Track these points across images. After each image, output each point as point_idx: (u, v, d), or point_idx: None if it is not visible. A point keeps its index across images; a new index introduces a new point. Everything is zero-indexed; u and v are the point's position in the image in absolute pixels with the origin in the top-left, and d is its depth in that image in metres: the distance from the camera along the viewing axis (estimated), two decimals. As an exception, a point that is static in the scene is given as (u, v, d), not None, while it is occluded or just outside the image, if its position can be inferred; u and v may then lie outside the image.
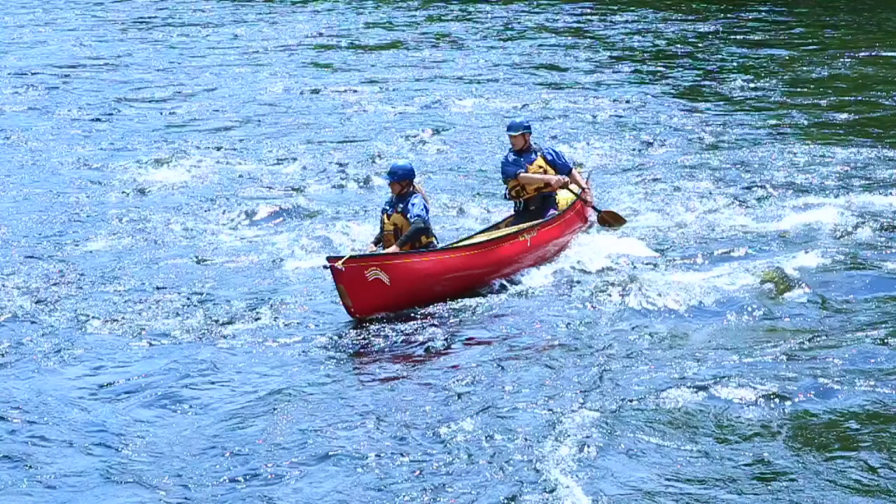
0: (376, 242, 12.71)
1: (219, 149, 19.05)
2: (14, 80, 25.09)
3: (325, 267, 11.77)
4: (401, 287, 11.93)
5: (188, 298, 12.44)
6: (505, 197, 14.04)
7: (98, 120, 21.43)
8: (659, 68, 25.14)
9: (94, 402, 10.09)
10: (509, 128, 13.93)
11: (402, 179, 12.46)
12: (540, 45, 28.44)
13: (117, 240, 14.64)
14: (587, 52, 27.41)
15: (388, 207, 12.59)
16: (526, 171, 13.69)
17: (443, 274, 12.35)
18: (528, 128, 13.89)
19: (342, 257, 11.76)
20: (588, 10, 33.55)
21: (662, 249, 13.65)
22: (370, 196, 16.32)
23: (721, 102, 21.56)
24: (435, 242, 12.71)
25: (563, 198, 14.05)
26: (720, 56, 26.19)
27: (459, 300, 12.31)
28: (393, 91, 23.43)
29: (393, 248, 12.30)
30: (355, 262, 11.80)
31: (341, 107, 22.23)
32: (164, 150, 19.02)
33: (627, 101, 21.91)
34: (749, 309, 11.55)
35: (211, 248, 14.28)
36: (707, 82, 23.49)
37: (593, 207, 14.33)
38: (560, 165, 13.87)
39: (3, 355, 11.07)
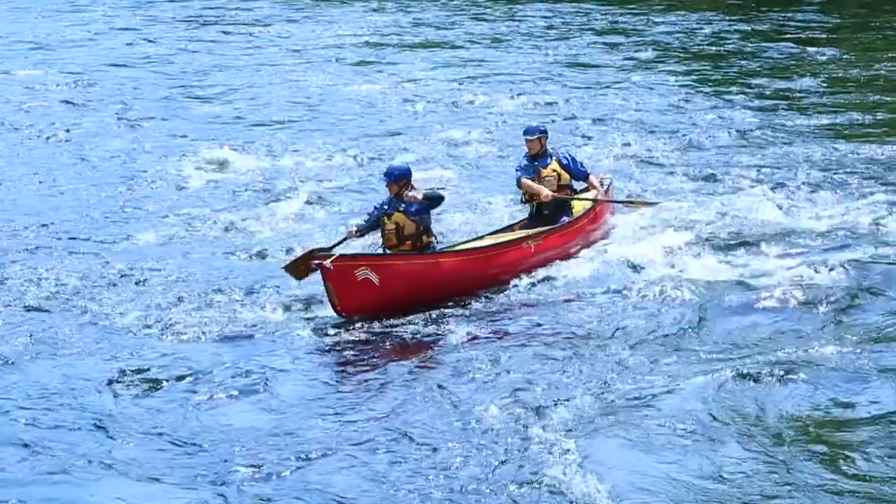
0: (360, 233, 12.64)
1: (263, 145, 19.33)
2: (65, 78, 25.47)
3: (314, 265, 11.75)
4: (391, 288, 11.83)
5: (220, 292, 12.54)
6: (521, 200, 14.06)
7: (145, 116, 21.73)
8: (702, 67, 25.25)
9: (100, 392, 10.19)
10: (525, 132, 13.88)
11: (399, 180, 12.45)
12: (583, 45, 28.61)
13: (156, 232, 14.88)
14: (629, 51, 27.53)
15: (387, 208, 12.52)
16: (537, 176, 13.64)
17: (436, 277, 12.25)
18: (545, 132, 13.85)
19: (331, 255, 11.73)
20: (631, 11, 33.63)
21: (691, 251, 13.44)
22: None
23: (764, 101, 21.61)
24: (435, 243, 12.68)
25: (581, 203, 14.00)
26: (764, 55, 26.23)
27: (456, 302, 12.22)
28: (435, 89, 23.66)
29: (420, 194, 12.23)
30: (344, 262, 11.73)
31: (384, 104, 22.48)
32: (210, 145, 19.26)
33: (669, 100, 22.02)
34: (780, 307, 11.54)
35: (249, 243, 14.46)
36: (750, 81, 23.51)
37: (617, 202, 14.20)
38: (574, 171, 13.85)
39: (32, 345, 11.28)
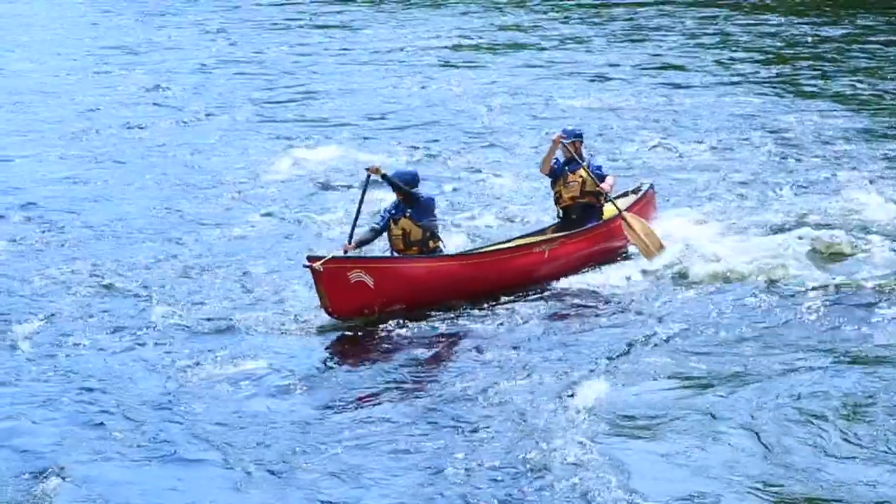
0: (359, 244, 12.47)
1: (345, 144, 19.65)
2: (155, 79, 26.06)
3: (304, 266, 11.77)
4: (385, 290, 11.85)
5: (279, 290, 12.78)
6: (555, 200, 13.98)
7: (231, 117, 22.20)
8: (783, 70, 25.15)
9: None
10: (562, 134, 13.81)
11: (406, 186, 12.40)
12: (666, 46, 28.63)
13: (231, 228, 15.26)
14: (711, 52, 27.51)
15: (394, 213, 12.47)
16: (564, 179, 13.63)
17: (435, 280, 12.21)
18: (580, 136, 13.86)
19: (322, 258, 11.67)
20: (715, 12, 33.56)
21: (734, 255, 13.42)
22: (485, 189, 16.88)
23: (850, 105, 21.51)
24: (442, 248, 12.64)
25: (610, 210, 13.82)
26: (846, 59, 26.07)
27: (460, 305, 12.23)
28: (517, 90, 23.86)
29: (383, 170, 12.21)
30: (336, 264, 11.73)
31: (467, 105, 22.72)
32: (292, 144, 19.74)
33: (746, 101, 22.02)
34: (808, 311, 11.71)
35: (322, 240, 14.73)
36: (835, 83, 23.43)
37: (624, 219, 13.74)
38: (595, 174, 13.66)
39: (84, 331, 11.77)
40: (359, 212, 12.46)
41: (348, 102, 23.29)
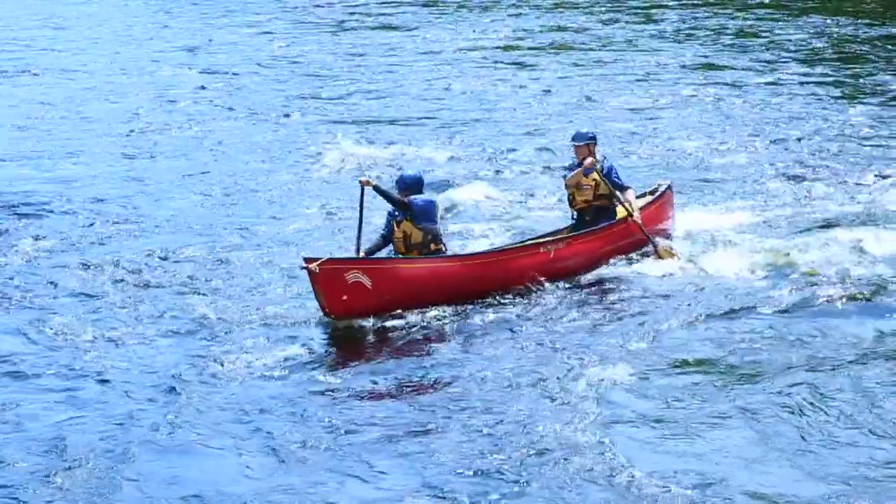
0: (368, 253, 12.57)
1: (389, 142, 20.03)
2: (208, 77, 26.68)
3: (301, 268, 11.84)
4: (383, 291, 11.86)
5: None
6: (569, 203, 13.94)
7: (282, 114, 22.65)
8: (829, 70, 25.21)
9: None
10: (574, 138, 13.83)
11: (409, 189, 12.49)
12: (715, 47, 28.76)
13: (270, 223, 15.60)
14: (757, 53, 27.62)
15: (397, 216, 12.54)
16: (578, 182, 13.58)
17: (434, 281, 12.17)
18: (594, 139, 13.74)
19: (318, 259, 11.72)
20: (765, 14, 33.62)
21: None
22: (529, 186, 17.17)
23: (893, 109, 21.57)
24: (444, 251, 12.63)
25: (623, 213, 13.71)
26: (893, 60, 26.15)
27: (463, 305, 12.21)
28: (560, 90, 24.15)
29: (375, 182, 12.34)
30: (333, 265, 11.74)
31: (516, 103, 23.02)
32: (339, 141, 20.06)
33: (790, 101, 22.16)
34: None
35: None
36: (878, 86, 23.43)
37: (647, 237, 13.63)
38: (611, 182, 13.60)
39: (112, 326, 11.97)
40: (361, 222, 12.50)
41: (398, 101, 23.64)
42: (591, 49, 29.34)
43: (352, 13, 37.36)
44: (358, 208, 12.57)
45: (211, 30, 34.85)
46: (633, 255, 13.58)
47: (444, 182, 17.37)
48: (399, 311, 11.97)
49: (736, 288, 12.68)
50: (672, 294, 12.65)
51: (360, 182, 12.50)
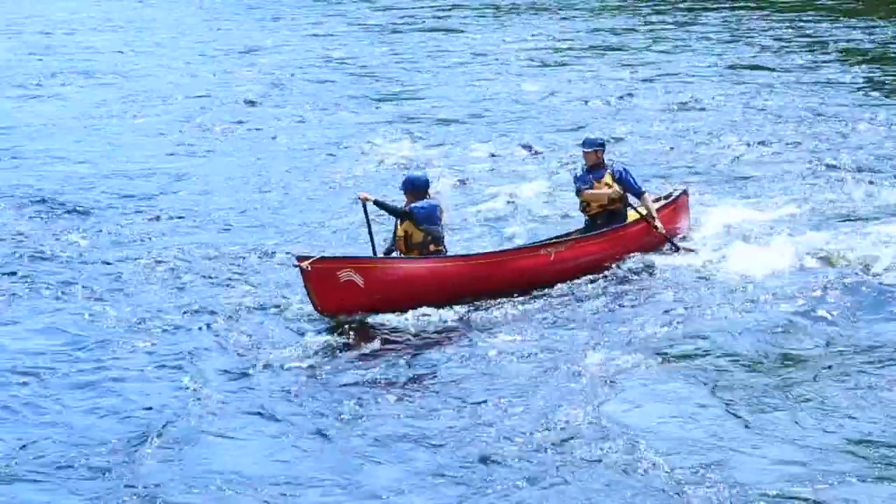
0: (388, 253, 12.72)
1: (435, 140, 20.48)
2: (262, 77, 27.13)
3: (293, 265, 12.00)
4: (376, 290, 11.95)
5: None
6: (580, 209, 13.99)
7: (331, 113, 23.18)
8: (871, 72, 25.25)
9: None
10: (583, 144, 13.91)
11: (415, 190, 12.57)
12: (755, 48, 28.94)
13: (312, 219, 15.97)
14: (800, 55, 27.74)
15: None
16: (591, 188, 13.65)
17: (428, 282, 12.21)
18: (602, 145, 13.84)
19: (311, 257, 11.85)
20: (809, 16, 33.76)
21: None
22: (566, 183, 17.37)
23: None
24: (444, 251, 12.66)
25: (634, 216, 13.76)
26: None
27: (462, 305, 12.24)
28: (604, 91, 24.45)
29: (372, 197, 12.39)
30: (325, 264, 11.84)
31: (553, 104, 23.35)
32: (381, 139, 20.60)
33: (831, 102, 22.29)
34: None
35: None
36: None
37: (667, 239, 13.74)
38: (627, 185, 13.73)
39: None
40: (370, 232, 12.63)
41: (445, 101, 24.02)
42: (635, 50, 29.62)
43: (402, 17, 37.76)
44: (365, 222, 12.63)
45: (264, 32, 35.36)
46: (638, 256, 13.59)
47: (483, 179, 17.83)
48: (393, 310, 11.97)
49: (763, 282, 12.81)
50: (690, 288, 12.78)
51: (359, 198, 12.59)
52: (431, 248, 12.58)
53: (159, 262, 14.16)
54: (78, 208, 16.74)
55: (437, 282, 12.28)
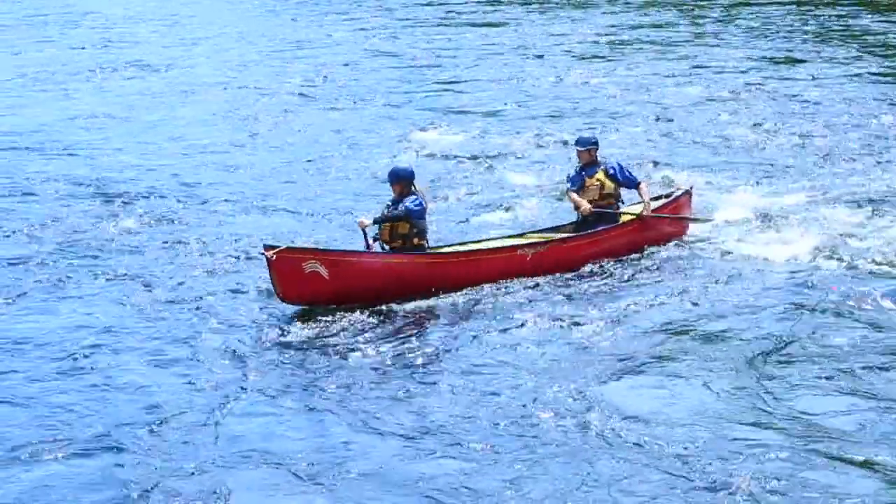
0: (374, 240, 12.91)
1: (478, 131, 20.86)
2: (310, 70, 27.57)
3: (260, 254, 12.31)
4: (340, 282, 12.19)
5: None
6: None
7: (378, 104, 23.63)
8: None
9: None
10: (577, 143, 14.13)
11: (401, 181, 12.83)
12: (796, 42, 29.09)
13: (355, 204, 16.35)
14: (839, 49, 27.80)
15: (392, 205, 12.89)
16: (582, 186, 13.80)
17: (393, 277, 12.44)
18: (595, 143, 14.00)
19: (277, 247, 12.14)
20: (846, 11, 33.76)
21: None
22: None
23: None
24: (426, 245, 12.91)
25: (626, 217, 13.89)
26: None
27: (435, 301, 12.44)
28: (644, 84, 24.73)
29: (369, 220, 12.64)
30: (291, 254, 12.15)
31: (596, 96, 23.69)
32: (426, 129, 21.07)
33: (868, 98, 22.41)
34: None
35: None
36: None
37: (677, 218, 13.90)
38: (622, 180, 13.89)
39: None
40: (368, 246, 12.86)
41: (488, 93, 24.38)
42: (678, 43, 29.79)
43: (448, 11, 38.07)
44: (365, 245, 12.88)
45: (315, 27, 35.73)
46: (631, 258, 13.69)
47: (514, 169, 18.18)
48: (357, 302, 12.26)
49: (788, 267, 13.14)
50: (702, 275, 13.03)
51: (359, 224, 12.84)
52: (415, 241, 12.81)
53: (206, 247, 14.67)
54: (127, 197, 17.23)
55: (405, 278, 12.51)
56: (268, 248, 12.13)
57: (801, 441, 9.15)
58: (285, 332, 11.90)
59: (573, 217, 14.38)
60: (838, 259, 13.32)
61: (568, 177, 14.23)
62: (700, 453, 9.03)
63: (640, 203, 14.27)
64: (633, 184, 14.04)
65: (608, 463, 8.97)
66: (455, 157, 19.22)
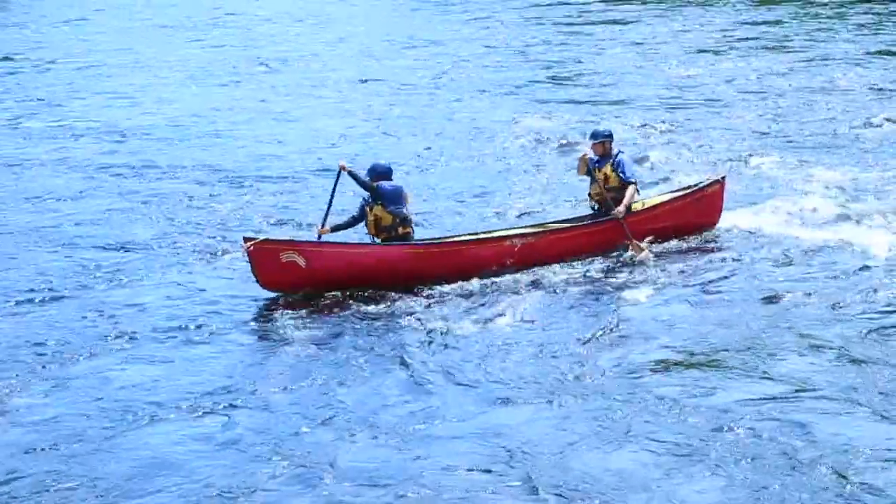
0: (335, 229, 13.34)
1: (585, 116, 21.63)
2: (438, 64, 28.59)
3: (240, 245, 13.01)
4: (317, 271, 12.78)
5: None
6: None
7: (489, 95, 24.48)
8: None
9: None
10: (591, 136, 14.41)
11: (380, 176, 13.26)
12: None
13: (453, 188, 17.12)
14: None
15: (370, 200, 13.28)
16: (594, 178, 14.01)
17: (371, 266, 12.89)
18: (610, 136, 14.23)
19: (256, 239, 12.75)
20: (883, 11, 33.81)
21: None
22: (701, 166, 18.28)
23: None
24: (412, 234, 13.29)
25: (638, 207, 14.05)
26: None
27: (414, 291, 12.75)
28: (753, 79, 25.20)
29: (348, 168, 12.95)
30: (269, 245, 12.74)
31: (702, 88, 24.34)
32: (532, 115, 21.96)
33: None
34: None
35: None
36: None
37: (626, 233, 13.82)
38: (621, 176, 14.01)
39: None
40: (331, 200, 13.33)
41: (603, 86, 25.11)
42: (791, 40, 30.20)
43: (571, 9, 38.68)
44: (332, 187, 13.34)
45: (449, 25, 36.55)
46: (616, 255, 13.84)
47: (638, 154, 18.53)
48: (335, 289, 12.79)
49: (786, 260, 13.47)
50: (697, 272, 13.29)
51: (339, 166, 13.28)
52: (400, 230, 13.26)
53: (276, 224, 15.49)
54: (245, 185, 17.96)
55: (383, 267, 13.03)
56: (247, 239, 12.84)
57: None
58: (282, 325, 12.23)
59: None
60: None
61: (593, 161, 14.35)
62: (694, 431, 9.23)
63: (657, 196, 14.65)
64: (627, 183, 14.12)
65: (607, 461, 8.95)
66: (567, 142, 19.87)
